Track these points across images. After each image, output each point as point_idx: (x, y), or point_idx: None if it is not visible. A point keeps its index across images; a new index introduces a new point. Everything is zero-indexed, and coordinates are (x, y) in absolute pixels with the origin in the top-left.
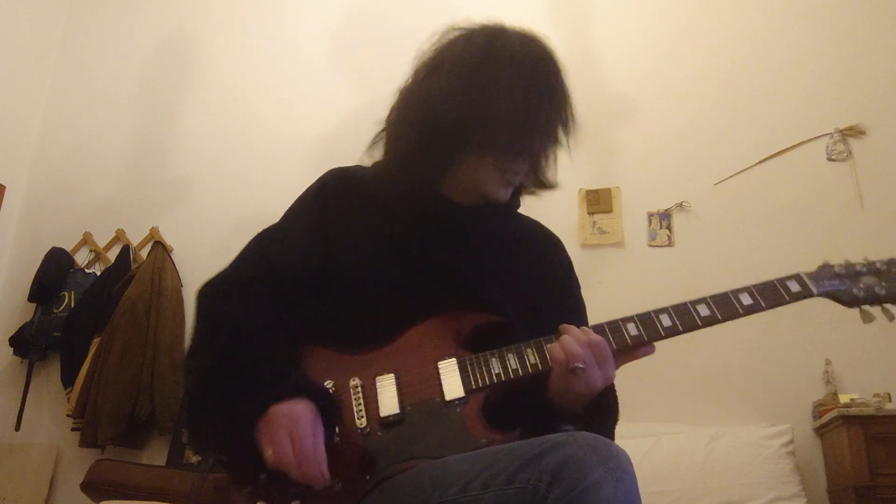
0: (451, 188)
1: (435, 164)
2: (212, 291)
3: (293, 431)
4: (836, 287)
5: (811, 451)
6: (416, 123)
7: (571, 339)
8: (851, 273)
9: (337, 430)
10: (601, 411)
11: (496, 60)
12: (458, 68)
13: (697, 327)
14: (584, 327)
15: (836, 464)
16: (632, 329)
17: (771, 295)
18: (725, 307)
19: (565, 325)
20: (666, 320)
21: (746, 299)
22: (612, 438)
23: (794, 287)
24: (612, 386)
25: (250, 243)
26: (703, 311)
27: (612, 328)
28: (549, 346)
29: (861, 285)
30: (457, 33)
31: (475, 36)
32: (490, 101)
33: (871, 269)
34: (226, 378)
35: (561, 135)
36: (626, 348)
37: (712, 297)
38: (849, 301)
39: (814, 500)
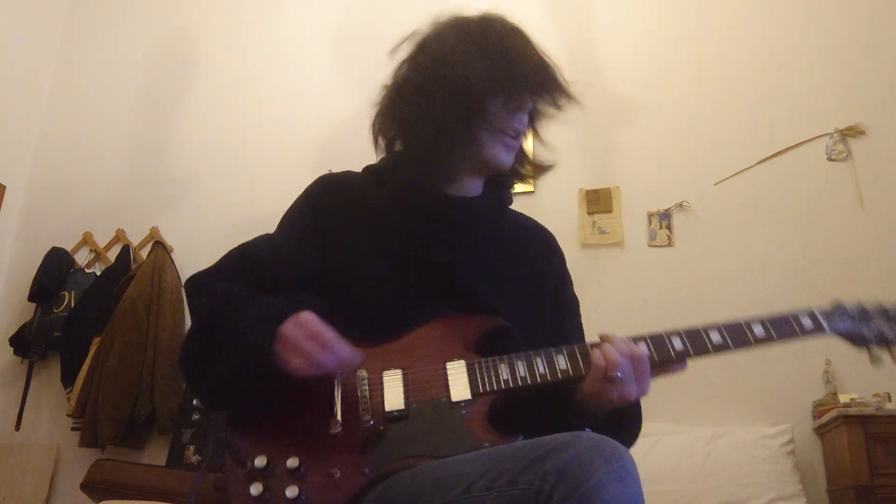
0: (449, 177)
1: (436, 141)
2: (197, 278)
3: (309, 332)
4: (848, 327)
5: (811, 451)
6: (415, 104)
7: (613, 349)
8: (863, 314)
9: (340, 419)
10: (622, 422)
11: (474, 28)
12: (438, 45)
13: (708, 353)
14: (626, 337)
15: (836, 464)
16: (677, 342)
17: (784, 328)
18: (737, 337)
19: (606, 334)
20: (678, 344)
21: (759, 330)
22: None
23: (808, 323)
24: (639, 402)
25: (238, 246)
26: (716, 338)
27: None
28: (591, 351)
29: (871, 327)
30: (429, 27)
31: (448, 19)
32: (478, 63)
33: (882, 312)
34: (220, 334)
35: (554, 94)
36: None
37: (725, 326)
38: (858, 341)
39: (814, 500)
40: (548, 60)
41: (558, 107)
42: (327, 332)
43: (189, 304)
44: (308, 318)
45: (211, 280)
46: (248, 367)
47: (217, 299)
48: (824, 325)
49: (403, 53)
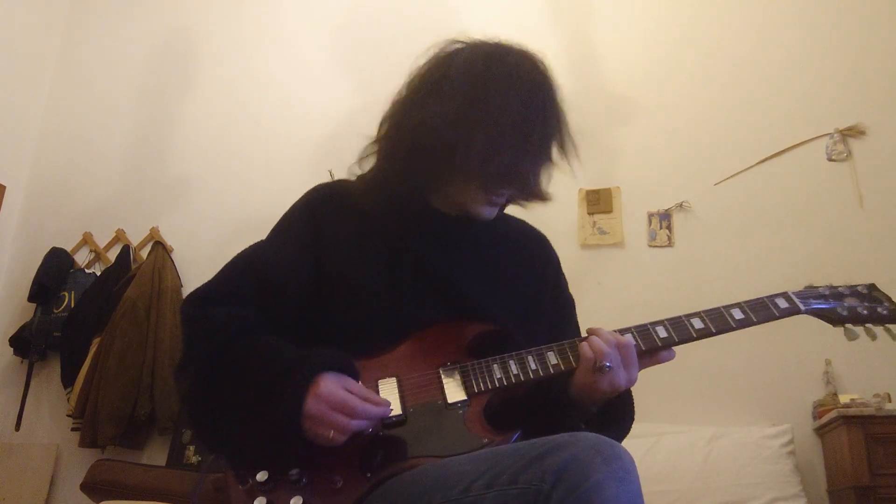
0: (439, 201)
1: (423, 181)
2: (196, 301)
3: (334, 405)
4: (822, 306)
5: (811, 451)
6: (409, 142)
7: (600, 339)
8: (835, 294)
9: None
10: (616, 415)
11: (491, 85)
12: (453, 92)
13: (692, 339)
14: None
15: (836, 464)
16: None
17: (761, 311)
18: (718, 321)
19: (594, 328)
20: (662, 332)
21: (738, 314)
22: (621, 441)
23: (783, 304)
24: (630, 393)
25: (235, 258)
26: (697, 324)
27: (641, 332)
28: (579, 344)
29: (845, 305)
30: (453, 49)
31: (473, 56)
32: (483, 129)
33: (854, 291)
34: (229, 382)
35: (554, 154)
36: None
37: (706, 312)
38: (834, 319)
39: (814, 500)
40: (564, 131)
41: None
42: (351, 398)
43: (186, 334)
44: (327, 388)
45: (210, 306)
46: (276, 444)
47: (220, 341)
48: (799, 305)
49: (423, 68)
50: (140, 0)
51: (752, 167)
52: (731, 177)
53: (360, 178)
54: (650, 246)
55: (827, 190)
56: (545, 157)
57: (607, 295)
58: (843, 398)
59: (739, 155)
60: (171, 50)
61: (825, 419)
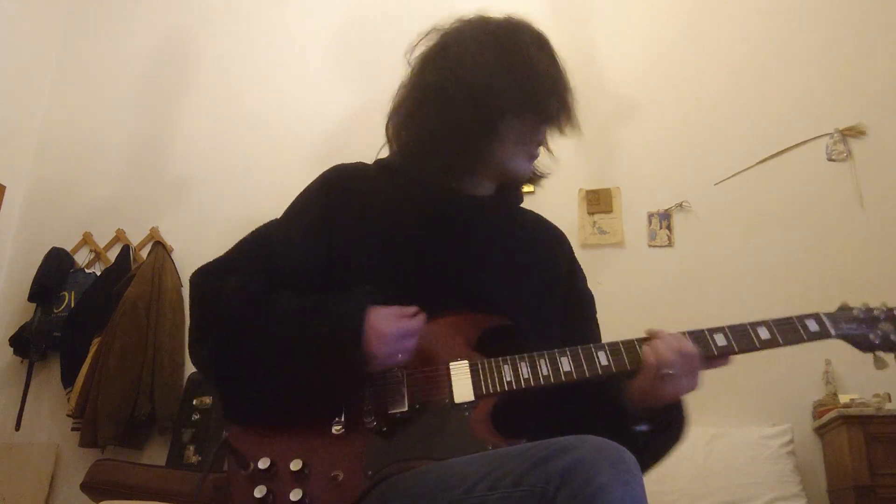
0: (464, 178)
1: (455, 159)
2: (207, 274)
3: (386, 334)
4: (854, 331)
5: (811, 451)
6: (436, 114)
7: (664, 345)
8: (869, 318)
9: (343, 420)
10: (671, 418)
11: (507, 37)
12: (471, 54)
13: (713, 356)
14: (678, 333)
15: (836, 464)
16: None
17: (789, 333)
18: (742, 340)
19: (654, 329)
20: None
21: (764, 333)
22: (669, 452)
23: (813, 326)
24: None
25: (248, 236)
26: (720, 340)
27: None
28: (642, 348)
29: (878, 331)
30: (447, 28)
31: (477, 23)
32: (513, 71)
33: (889, 315)
34: (268, 328)
35: (571, 104)
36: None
37: (730, 328)
38: (864, 346)
39: (814, 500)
40: (569, 81)
41: (567, 128)
42: (395, 326)
43: (200, 301)
44: (374, 321)
45: (223, 276)
46: (332, 369)
47: (238, 300)
48: (830, 329)
49: (423, 50)
50: (140, 0)
51: (752, 167)
52: (731, 177)
53: (378, 161)
54: (650, 246)
55: (827, 190)
56: (568, 97)
57: (607, 295)
58: (843, 398)
59: (739, 155)
60: (171, 50)
61: (825, 419)
